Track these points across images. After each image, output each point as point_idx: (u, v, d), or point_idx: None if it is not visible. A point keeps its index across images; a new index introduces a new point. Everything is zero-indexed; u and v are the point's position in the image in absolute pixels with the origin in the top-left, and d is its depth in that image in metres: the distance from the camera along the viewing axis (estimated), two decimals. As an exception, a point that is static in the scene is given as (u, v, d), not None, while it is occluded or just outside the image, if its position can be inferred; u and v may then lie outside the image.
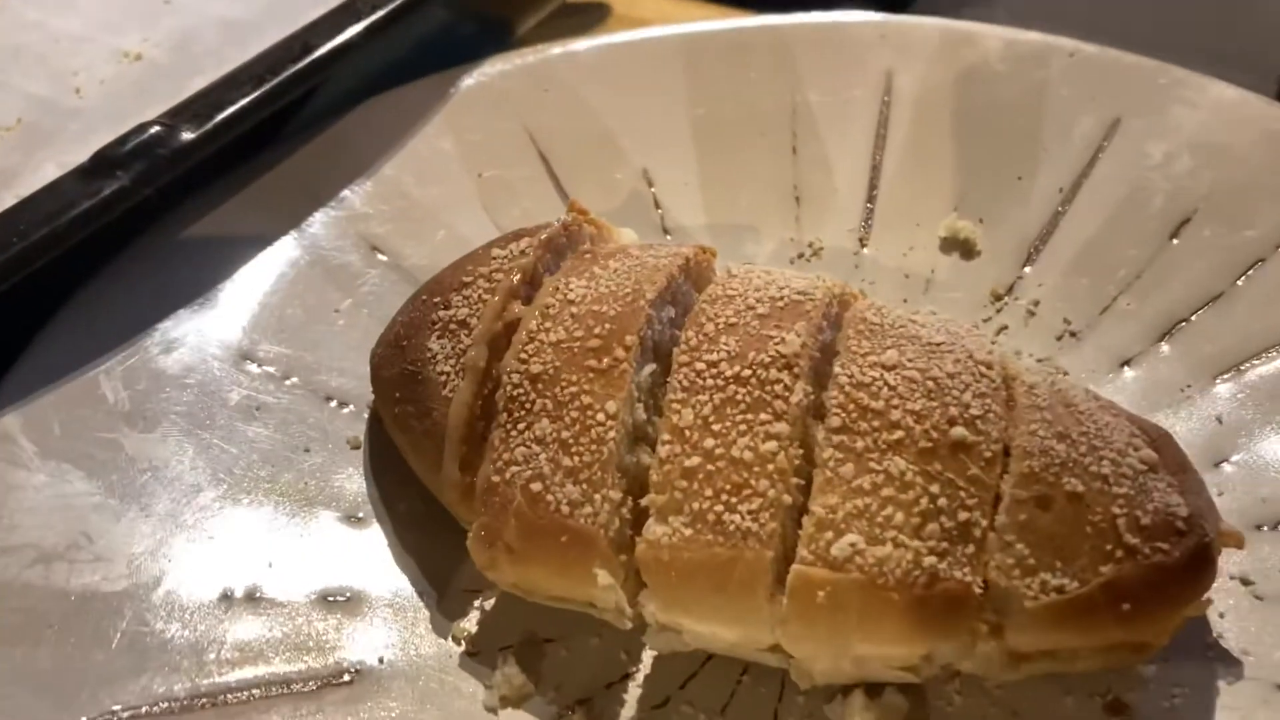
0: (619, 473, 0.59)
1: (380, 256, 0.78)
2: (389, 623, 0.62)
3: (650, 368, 0.62)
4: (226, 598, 0.62)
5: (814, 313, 0.63)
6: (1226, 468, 0.68)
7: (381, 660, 0.61)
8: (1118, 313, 0.76)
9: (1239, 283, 0.75)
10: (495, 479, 0.60)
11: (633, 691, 0.61)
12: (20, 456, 0.64)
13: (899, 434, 0.58)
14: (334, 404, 0.71)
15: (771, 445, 0.58)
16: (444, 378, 0.63)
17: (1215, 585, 0.62)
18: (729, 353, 0.60)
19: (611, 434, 0.59)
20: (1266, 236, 0.76)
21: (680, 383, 0.60)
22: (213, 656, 0.59)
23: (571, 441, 0.59)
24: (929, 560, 0.56)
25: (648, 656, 0.62)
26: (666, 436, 0.59)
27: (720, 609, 0.57)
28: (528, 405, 0.61)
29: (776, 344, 0.61)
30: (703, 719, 0.60)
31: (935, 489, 0.57)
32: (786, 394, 0.59)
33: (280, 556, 0.64)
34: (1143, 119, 0.83)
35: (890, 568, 0.56)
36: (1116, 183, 0.81)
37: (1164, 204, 0.80)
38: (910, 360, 0.61)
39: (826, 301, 0.64)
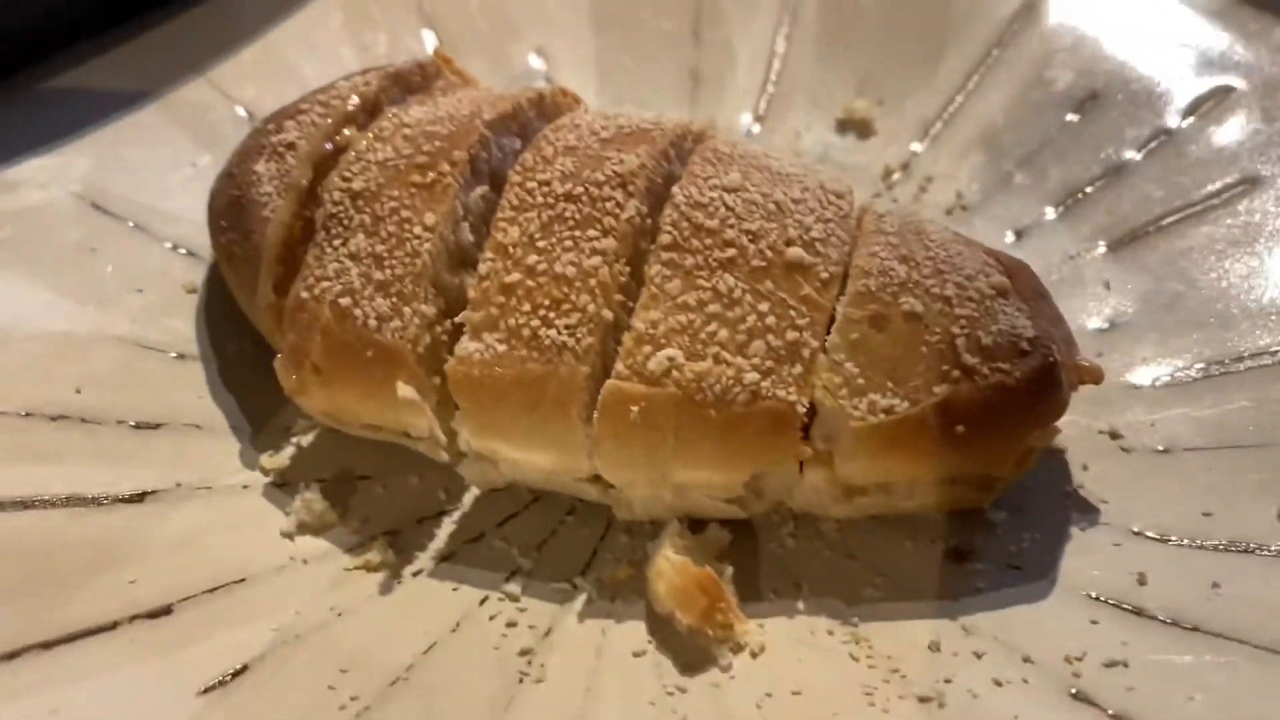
0: (434, 289, 0.56)
1: (242, 113, 0.75)
2: (196, 453, 0.59)
3: (481, 189, 0.59)
4: (31, 414, 0.59)
5: (660, 140, 0.59)
6: (1110, 330, 0.64)
7: (179, 485, 0.57)
8: (1012, 187, 0.72)
9: (1139, 155, 0.71)
10: (305, 295, 0.57)
11: (446, 527, 0.57)
12: None
13: (731, 252, 0.55)
14: (174, 249, 0.68)
15: (596, 260, 0.54)
16: (266, 199, 0.60)
17: (1081, 438, 0.59)
18: (564, 172, 0.57)
19: (427, 246, 0.55)
20: (1173, 109, 0.73)
21: (510, 201, 0.57)
22: (10, 467, 0.56)
23: (386, 255, 0.56)
24: (751, 377, 0.52)
25: (469, 497, 0.58)
26: (489, 254, 0.55)
27: (533, 430, 0.54)
28: (346, 222, 0.58)
29: (614, 164, 0.57)
30: (515, 552, 0.56)
31: (764, 307, 0.53)
32: (618, 211, 0.56)
33: (94, 383, 0.61)
34: (1056, 1, 0.80)
35: (709, 383, 0.52)
36: (1023, 63, 0.77)
37: (1071, 82, 0.76)
38: (754, 185, 0.57)
39: (676, 133, 0.60)
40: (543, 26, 0.83)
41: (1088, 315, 0.65)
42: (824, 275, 0.55)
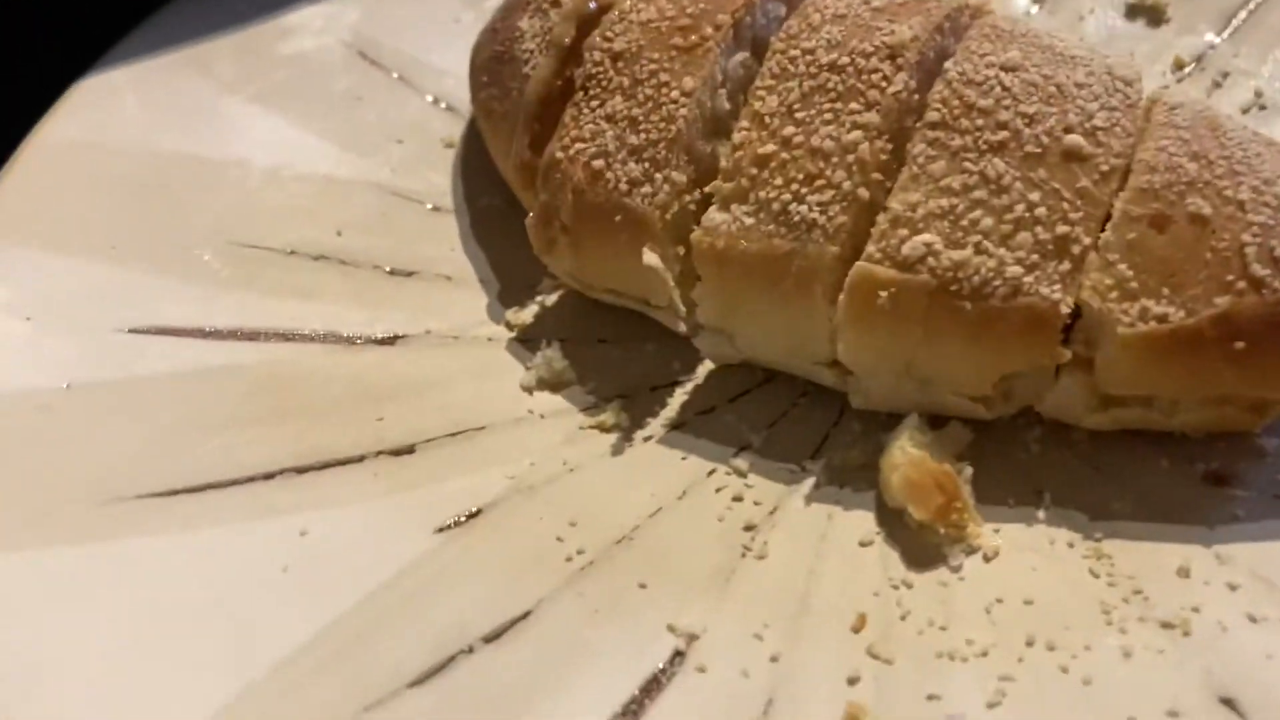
0: (687, 156, 0.54)
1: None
2: (445, 302, 0.60)
3: (742, 55, 0.57)
4: (294, 253, 0.61)
5: (936, 11, 0.56)
6: None
7: (428, 331, 0.59)
8: (1321, 86, 0.66)
9: None
10: (559, 155, 0.56)
11: (678, 397, 0.57)
12: (123, 105, 0.66)
13: (1004, 135, 0.51)
14: (435, 102, 0.69)
15: (857, 135, 0.52)
16: (527, 55, 0.60)
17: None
18: (829, 40, 0.54)
19: (683, 111, 0.54)
20: None
21: (771, 69, 0.55)
22: (259, 300, 0.59)
23: (642, 119, 0.55)
24: (1014, 271, 0.49)
25: (703, 370, 0.58)
26: (745, 123, 0.54)
27: (775, 308, 0.52)
28: (604, 83, 0.57)
29: (884, 35, 0.54)
30: (745, 428, 0.55)
31: (1035, 197, 0.50)
32: (884, 84, 0.53)
33: (353, 227, 0.63)
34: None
35: (968, 274, 0.50)
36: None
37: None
38: (1034, 65, 0.53)
39: (954, 4, 0.57)
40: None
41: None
42: (1104, 167, 0.51)
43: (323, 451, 0.53)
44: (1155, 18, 0.71)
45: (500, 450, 0.54)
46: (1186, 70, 0.68)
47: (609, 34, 0.58)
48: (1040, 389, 0.52)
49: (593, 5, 0.60)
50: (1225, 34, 0.69)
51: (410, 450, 0.53)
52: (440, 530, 0.50)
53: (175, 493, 0.50)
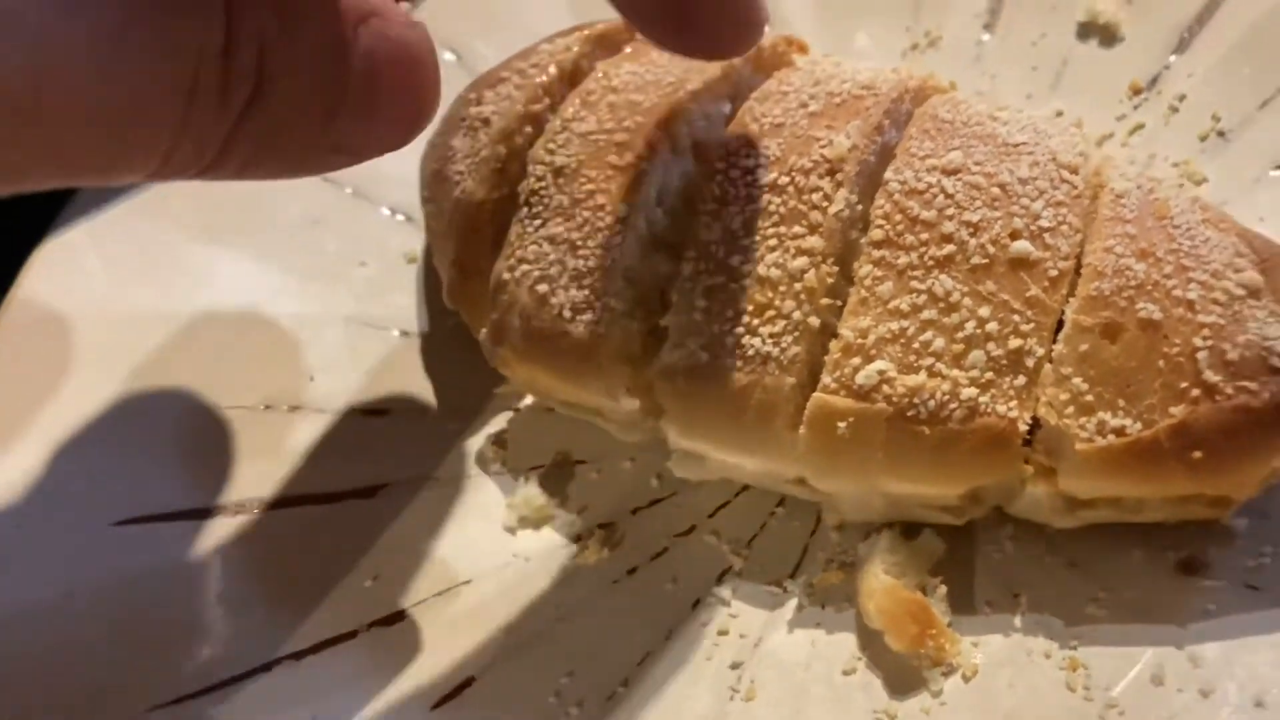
0: (625, 282, 0.55)
1: (450, 58, 0.74)
2: (421, 439, 0.61)
3: (682, 167, 0.57)
4: (269, 407, 0.62)
5: (874, 110, 0.55)
6: (1386, 293, 0.57)
7: (407, 477, 0.60)
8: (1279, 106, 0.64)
9: None
10: (506, 276, 0.57)
11: (659, 517, 0.58)
12: (86, 267, 0.66)
13: (950, 248, 0.51)
14: (392, 214, 0.69)
15: (802, 262, 0.52)
16: (459, 177, 0.60)
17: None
18: (768, 157, 0.54)
19: (617, 240, 0.54)
20: None
21: (712, 191, 0.55)
22: (240, 466, 0.60)
23: (580, 243, 0.55)
24: (969, 392, 0.50)
25: (681, 485, 0.59)
26: (691, 252, 0.54)
27: (738, 438, 0.53)
28: (547, 200, 0.57)
29: (822, 146, 0.54)
30: (727, 549, 0.56)
31: (985, 311, 0.50)
32: (825, 204, 0.53)
33: (325, 369, 0.64)
34: None
35: (923, 399, 0.50)
36: (1303, -55, 0.67)
37: (1360, -31, 0.66)
38: (978, 164, 0.53)
39: (894, 96, 0.56)
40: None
41: (1360, 273, 0.58)
42: (1053, 273, 0.51)
43: (317, 632, 0.54)
44: (1108, 37, 0.70)
45: (488, 605, 0.55)
46: (1144, 95, 0.67)
47: (550, 145, 0.58)
48: (1008, 495, 0.53)
49: (522, 125, 0.60)
50: (1179, 51, 0.68)
51: (401, 616, 0.55)
52: (436, 707, 0.52)
53: (181, 699, 0.52)
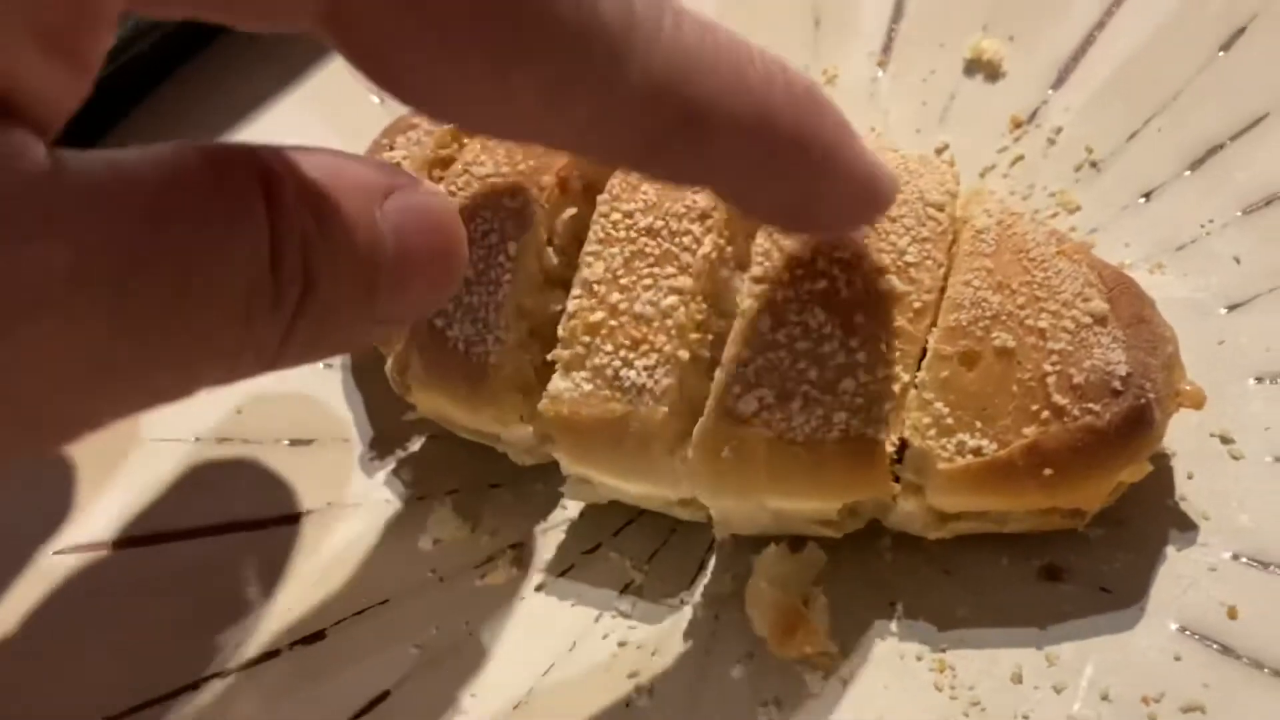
0: (518, 316, 0.59)
1: (375, 101, 0.78)
2: (343, 467, 0.65)
3: (570, 211, 0.61)
4: (200, 440, 0.66)
5: (751, 156, 0.59)
6: (1235, 315, 0.62)
7: (329, 503, 0.64)
8: (1147, 138, 0.68)
9: (1286, 103, 0.67)
10: None
11: (566, 537, 0.62)
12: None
13: (823, 284, 0.55)
14: (318, 252, 0.73)
15: (673, 300, 0.56)
16: None
17: (1189, 440, 0.59)
18: (645, 202, 0.58)
19: (508, 277, 0.58)
20: (1329, 47, 0.67)
21: (596, 233, 0.59)
22: (185, 495, 0.64)
23: (474, 280, 0.59)
24: (840, 416, 0.54)
25: (590, 506, 0.62)
26: (576, 290, 0.58)
27: (622, 464, 0.57)
28: None
29: (695, 192, 0.58)
30: (629, 564, 0.60)
31: (855, 343, 0.54)
32: (695, 247, 0.57)
33: (252, 401, 0.67)
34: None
35: (799, 423, 0.54)
36: (1171, -17, 0.72)
37: (1220, 9, 0.70)
38: (849, 204, 0.57)
39: (771, 142, 0.60)
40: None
41: (1212, 294, 0.63)
42: (917, 305, 0.55)
43: (242, 652, 0.58)
44: (992, 73, 0.74)
45: (404, 622, 0.59)
46: (1024, 129, 0.72)
47: (451, 188, 0.62)
48: (882, 510, 0.57)
49: (431, 170, 0.64)
50: (1057, 86, 0.72)
51: (321, 636, 0.59)
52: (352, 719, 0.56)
53: (122, 715, 0.56)
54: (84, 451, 0.65)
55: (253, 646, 0.58)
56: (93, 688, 0.57)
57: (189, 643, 0.58)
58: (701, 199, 0.57)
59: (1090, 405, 0.52)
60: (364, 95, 0.78)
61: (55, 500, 0.63)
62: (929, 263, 0.56)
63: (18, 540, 0.62)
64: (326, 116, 0.78)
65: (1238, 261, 0.63)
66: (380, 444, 0.66)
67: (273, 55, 0.80)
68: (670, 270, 0.56)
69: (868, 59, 0.76)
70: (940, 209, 0.57)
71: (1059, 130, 0.71)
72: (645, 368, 0.56)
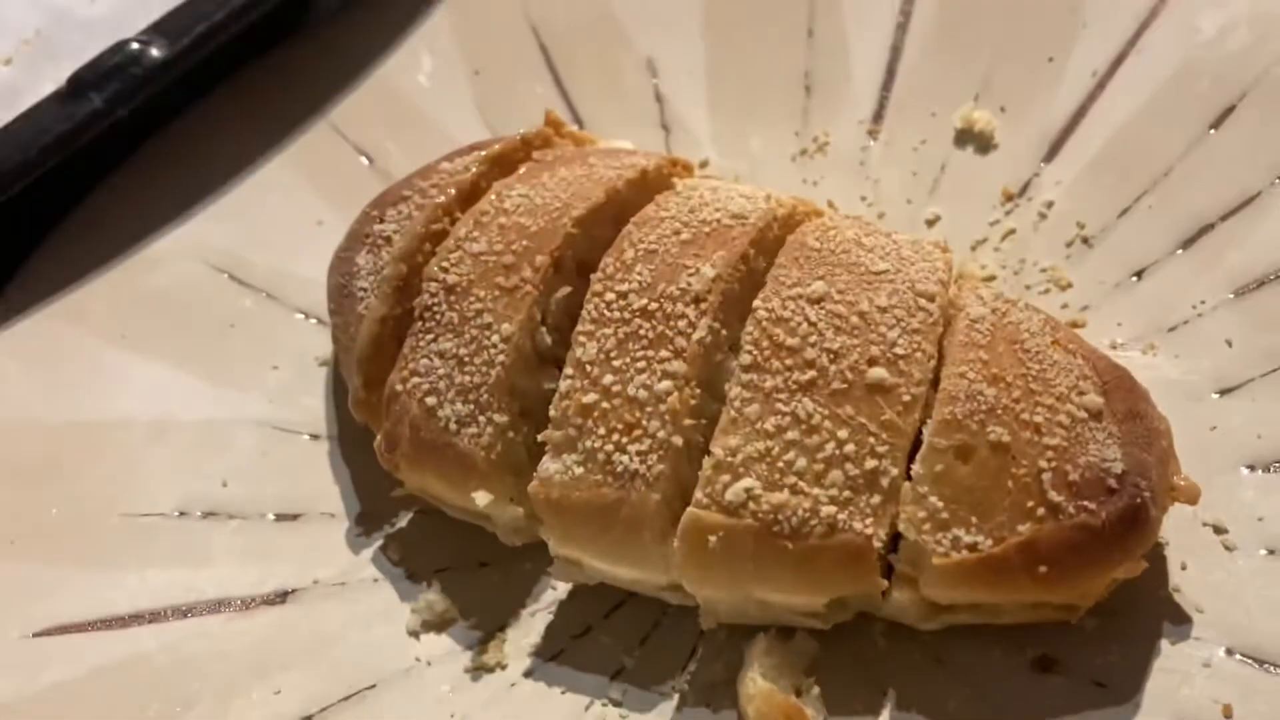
0: (510, 396, 0.58)
1: (364, 163, 0.77)
2: (330, 544, 0.64)
3: (565, 291, 0.60)
4: (184, 514, 0.65)
5: (740, 240, 0.59)
6: (1227, 400, 0.62)
7: (316, 581, 0.63)
8: (1138, 215, 0.69)
9: (1278, 182, 0.66)
10: (399, 388, 0.60)
11: (556, 619, 0.61)
12: (4, 374, 0.69)
13: (811, 374, 0.55)
14: (305, 318, 0.72)
15: (666, 385, 0.56)
16: (363, 294, 0.64)
17: (1183, 531, 0.58)
18: (640, 283, 0.58)
19: (501, 358, 0.58)
20: (1318, 129, 0.67)
21: (589, 313, 0.58)
22: (156, 574, 0.63)
23: (467, 359, 0.59)
24: (828, 510, 0.53)
25: (578, 585, 0.62)
26: (569, 370, 0.57)
27: (611, 548, 0.57)
28: (439, 317, 0.60)
29: (690, 275, 0.57)
30: (620, 649, 0.59)
31: (844, 434, 0.54)
32: (689, 331, 0.56)
33: (237, 475, 0.66)
34: (1200, -15, 0.73)
35: (786, 515, 0.54)
36: (1159, 63, 0.72)
37: (1209, 88, 0.71)
38: (840, 293, 0.57)
39: (762, 226, 0.60)
40: (653, 35, 0.81)
41: (1204, 377, 0.63)
42: (906, 398, 0.54)
43: (231, 736, 0.57)
44: (983, 144, 0.74)
45: (392, 709, 0.58)
46: (1015, 202, 0.71)
47: (445, 263, 0.61)
48: (870, 603, 0.56)
49: (422, 245, 0.63)
50: (1048, 160, 0.72)
51: (309, 722, 0.58)
52: (339, 814, 0.55)
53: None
54: (64, 528, 0.64)
55: (241, 732, 0.57)
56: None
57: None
58: (696, 281, 0.57)
59: (1086, 503, 0.52)
60: (352, 156, 0.78)
61: (29, 580, 0.62)
62: (919, 355, 0.55)
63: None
64: (312, 177, 0.77)
65: (1230, 344, 0.63)
66: (367, 520, 0.65)
67: (259, 116, 0.79)
68: (665, 354, 0.56)
69: (858, 127, 0.76)
70: (931, 299, 0.57)
71: (1050, 204, 0.71)
72: (639, 453, 0.55)
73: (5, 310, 0.71)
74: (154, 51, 0.72)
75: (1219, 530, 0.58)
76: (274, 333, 0.72)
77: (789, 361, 0.55)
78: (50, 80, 0.77)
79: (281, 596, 0.62)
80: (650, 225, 0.60)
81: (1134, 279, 0.67)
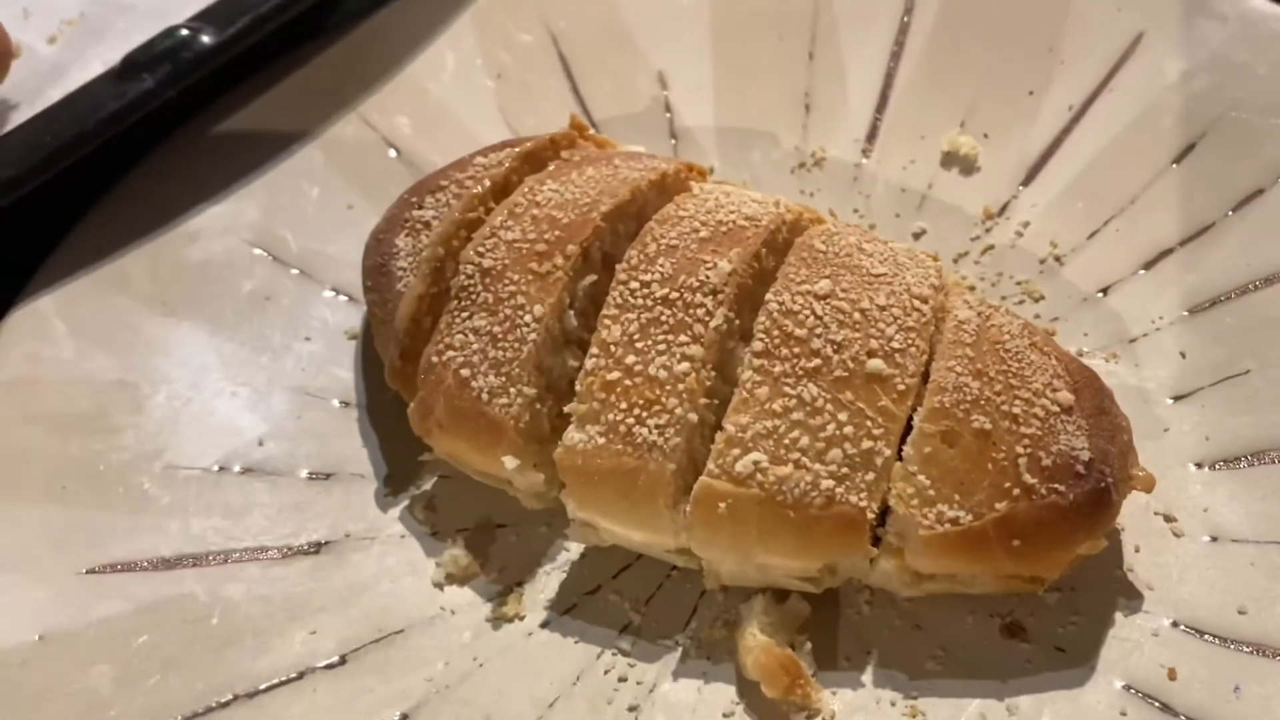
0: (538, 372, 0.64)
1: (392, 154, 0.83)
2: (360, 502, 0.69)
3: (591, 278, 0.66)
4: (223, 469, 0.70)
5: (753, 240, 0.65)
6: (1179, 405, 0.69)
7: (348, 535, 0.68)
8: (1105, 237, 0.76)
9: (1231, 214, 0.74)
10: (435, 360, 0.66)
11: (569, 577, 0.67)
12: (52, 334, 0.73)
13: (816, 362, 0.61)
14: (335, 295, 0.77)
15: (685, 366, 0.62)
16: (401, 274, 0.69)
17: (1137, 518, 0.65)
18: (662, 274, 0.64)
19: (533, 335, 0.64)
20: (1270, 165, 0.75)
21: (615, 299, 0.64)
22: (199, 522, 0.67)
23: (500, 336, 0.64)
24: (827, 484, 0.60)
25: (589, 548, 0.67)
26: (594, 350, 0.63)
27: (627, 513, 0.62)
28: (474, 296, 0.66)
29: (708, 269, 0.63)
30: (627, 606, 0.65)
31: (844, 417, 0.60)
32: (707, 319, 0.62)
33: (273, 435, 0.71)
34: (1167, 33, 0.81)
35: (789, 486, 0.60)
36: (1129, 102, 0.80)
37: (1173, 125, 0.78)
38: (844, 291, 0.63)
39: (773, 228, 0.66)
40: (665, 50, 0.87)
41: (1160, 385, 0.70)
42: (900, 387, 0.61)
43: (269, 674, 0.62)
44: (967, 167, 0.81)
45: (418, 652, 0.63)
46: (995, 220, 0.78)
47: (480, 249, 0.67)
48: (859, 571, 0.63)
49: (459, 230, 0.69)
50: (1026, 184, 0.79)
51: (342, 662, 0.63)
52: (373, 742, 0.60)
53: (146, 733, 0.60)
54: (111, 477, 0.69)
55: (280, 671, 0.62)
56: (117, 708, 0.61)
57: (215, 665, 0.62)
58: (714, 275, 0.63)
59: (1056, 486, 0.59)
60: (381, 147, 0.83)
61: (80, 524, 0.67)
62: (913, 350, 0.62)
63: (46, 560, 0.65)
64: (343, 165, 0.82)
65: (1183, 356, 0.70)
66: (394, 481, 0.70)
67: (294, 105, 0.84)
68: (684, 339, 0.62)
69: (854, 145, 0.83)
70: (924, 301, 0.64)
71: (1026, 224, 0.78)
72: (656, 426, 0.61)
73: (51, 276, 0.75)
74: (204, 38, 0.77)
75: (1168, 519, 0.65)
76: (307, 307, 0.76)
77: (797, 350, 0.61)
78: (96, 60, 0.82)
79: (315, 547, 0.67)
80: (671, 223, 0.66)
81: (1100, 294, 0.74)
